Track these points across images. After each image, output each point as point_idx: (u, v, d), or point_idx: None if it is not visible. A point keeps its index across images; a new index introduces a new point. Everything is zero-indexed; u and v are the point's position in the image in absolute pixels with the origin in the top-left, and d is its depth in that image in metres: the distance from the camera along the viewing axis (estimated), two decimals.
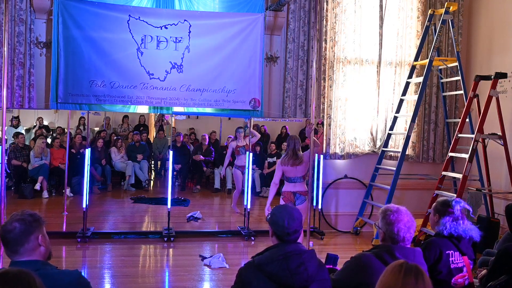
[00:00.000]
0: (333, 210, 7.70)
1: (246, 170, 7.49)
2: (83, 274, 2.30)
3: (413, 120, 7.05)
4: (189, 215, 8.07)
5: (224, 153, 11.08)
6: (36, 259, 2.22)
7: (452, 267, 3.11)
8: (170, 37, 6.83)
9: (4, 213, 4.70)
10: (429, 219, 3.41)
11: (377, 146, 7.69)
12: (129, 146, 11.20)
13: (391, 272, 1.83)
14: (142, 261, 6.11)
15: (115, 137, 11.35)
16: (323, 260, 3.25)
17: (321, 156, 7.48)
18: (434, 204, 3.38)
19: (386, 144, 7.53)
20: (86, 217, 6.72)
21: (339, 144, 7.55)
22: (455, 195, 5.96)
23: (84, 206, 6.72)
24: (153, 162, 12.47)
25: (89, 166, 6.91)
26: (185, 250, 6.45)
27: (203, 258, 5.94)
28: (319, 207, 7.47)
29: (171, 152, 7.17)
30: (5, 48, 5.08)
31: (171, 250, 6.55)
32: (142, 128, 12.69)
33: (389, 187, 6.97)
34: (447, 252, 3.13)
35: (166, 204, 7.14)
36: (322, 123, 7.68)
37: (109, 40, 6.69)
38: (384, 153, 7.54)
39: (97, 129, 12.89)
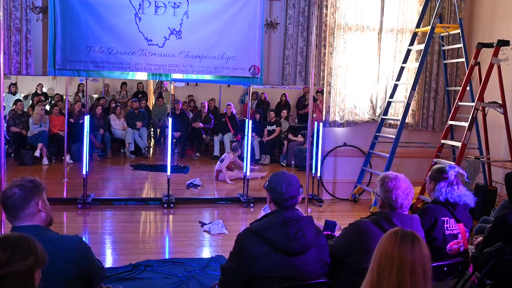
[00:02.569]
0: (331, 178, 7.74)
1: (246, 137, 7.50)
2: (84, 239, 2.33)
3: (413, 88, 7.01)
4: (188, 182, 8.12)
5: (223, 120, 11.08)
6: (37, 224, 2.24)
7: (447, 233, 3.15)
8: (169, 2, 6.72)
9: (4, 180, 4.72)
10: (426, 187, 3.43)
11: (377, 114, 7.67)
12: (128, 113, 11.17)
13: (388, 238, 1.85)
14: (143, 227, 6.18)
15: (114, 104, 11.30)
16: (322, 227, 3.30)
17: (321, 124, 7.47)
18: (429, 172, 3.40)
19: (386, 112, 7.51)
20: (86, 184, 6.76)
21: (338, 112, 7.53)
22: (454, 163, 5.98)
23: (84, 172, 6.75)
24: (152, 129, 12.46)
25: (88, 133, 6.91)
26: (185, 217, 6.52)
27: (203, 224, 6.00)
28: (318, 174, 7.51)
29: (170, 120, 7.15)
30: (1, 13, 5.00)
31: (171, 216, 6.61)
32: (141, 95, 12.62)
33: (388, 155, 6.99)
34: (442, 218, 3.15)
35: (166, 171, 7.17)
36: (322, 91, 7.64)
37: (106, 5, 6.58)
38: (383, 121, 7.52)
39: (96, 96, 12.82)
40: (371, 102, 7.66)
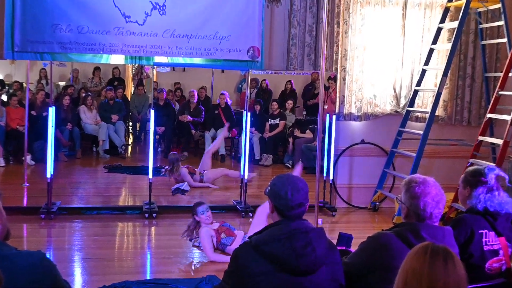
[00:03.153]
0: (347, 182, 7.74)
1: (243, 133, 7.50)
2: (48, 256, 2.32)
3: (445, 74, 7.01)
4: (174, 187, 8.13)
5: (216, 112, 11.08)
6: None
7: (485, 249, 3.14)
8: None
9: None
10: (459, 193, 3.42)
11: (401, 105, 7.67)
12: (102, 105, 11.16)
13: (415, 255, 1.85)
14: (119, 242, 6.18)
15: (84, 94, 11.30)
16: (334, 241, 3.30)
17: (333, 117, 7.47)
18: (462, 175, 3.39)
19: (412, 103, 7.51)
20: (51, 190, 6.76)
21: (355, 103, 7.53)
22: (494, 164, 5.98)
23: (48, 176, 6.75)
24: (130, 123, 12.45)
25: (53, 128, 6.89)
26: (170, 229, 6.52)
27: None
28: (330, 178, 7.51)
29: (152, 112, 7.15)
30: None
31: (153, 228, 6.61)
32: (117, 82, 12.62)
33: (414, 154, 6.99)
34: (480, 231, 3.15)
35: (147, 174, 7.16)
36: (335, 77, 7.64)
37: None
38: (409, 113, 7.52)
39: (62, 83, 12.82)
40: (394, 90, 7.66)
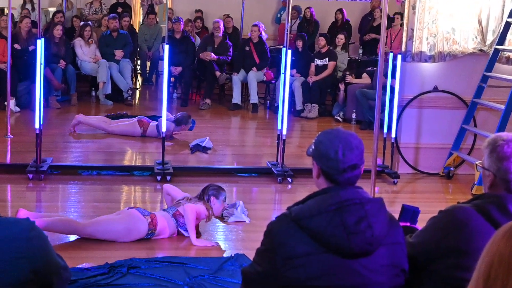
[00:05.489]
0: (413, 141, 7.69)
1: (282, 76, 7.46)
2: (37, 225, 2.36)
3: None
4: (193, 143, 8.17)
5: (247, 49, 11.03)
6: None
7: None
8: None
9: None
10: None
11: (488, 43, 7.55)
12: (103, 37, 11.21)
13: (504, 237, 1.82)
14: None
15: (81, 23, 11.35)
16: (396, 215, 3.30)
17: (398, 57, 7.37)
18: None
19: (502, 39, 7.38)
20: (40, 143, 6.84)
21: (427, 38, 7.41)
22: None
23: (37, 126, 6.82)
24: (139, 62, 12.51)
25: (42, 66, 6.95)
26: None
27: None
28: (392, 135, 7.46)
29: (166, 47, 7.15)
30: None
31: None
32: (121, 9, 12.63)
33: (503, 106, 6.91)
34: None
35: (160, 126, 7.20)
36: (402, 4, 7.50)
37: None
38: (498, 53, 7.40)
39: (53, 9, 12.89)
40: (479, 23, 7.52)
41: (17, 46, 10.02)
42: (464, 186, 7.27)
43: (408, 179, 7.51)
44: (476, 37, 7.56)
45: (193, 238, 5.18)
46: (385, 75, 7.34)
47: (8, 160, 7.42)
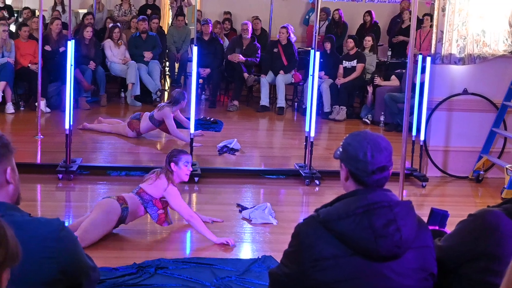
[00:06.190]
0: (442, 144, 7.65)
1: (310, 78, 7.45)
2: (66, 225, 2.38)
3: None
4: (221, 144, 8.18)
5: (275, 51, 11.03)
6: (0, 200, 2.28)
7: None
8: None
9: None
10: None
11: None
12: (132, 39, 11.28)
13: None
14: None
15: (110, 25, 11.43)
16: (425, 218, 3.28)
17: (427, 59, 7.33)
18: None
19: None
20: (70, 144, 6.91)
21: (457, 41, 7.36)
22: None
23: (67, 127, 6.89)
24: (167, 63, 12.57)
25: (73, 67, 7.01)
26: (215, 197, 6.61)
27: (242, 208, 6.07)
28: (421, 138, 7.41)
29: (195, 49, 7.17)
30: None
31: (194, 195, 6.72)
32: (150, 11, 12.70)
33: None
34: None
35: (188, 127, 7.24)
36: (431, 6, 7.46)
37: None
38: None
39: (83, 11, 12.99)
40: (510, 25, 7.46)
41: (47, 48, 10.12)
42: (493, 190, 7.20)
43: (436, 182, 7.46)
44: (506, 39, 7.50)
45: (211, 237, 5.21)
46: (414, 78, 7.29)
47: (39, 160, 7.50)
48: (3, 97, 9.65)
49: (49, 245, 2.23)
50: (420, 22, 10.26)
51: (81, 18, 12.18)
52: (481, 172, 7.54)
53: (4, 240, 1.69)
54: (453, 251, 2.70)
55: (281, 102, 10.81)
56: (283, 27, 11.13)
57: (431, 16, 7.39)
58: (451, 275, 2.67)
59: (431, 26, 7.40)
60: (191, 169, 5.54)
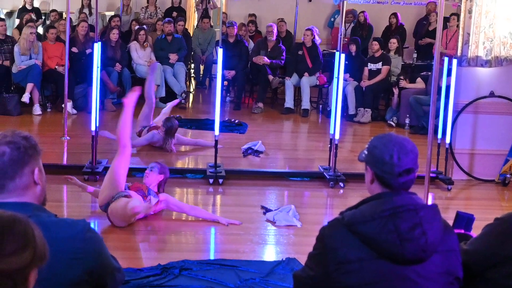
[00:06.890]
0: (468, 147, 7.59)
1: (335, 80, 7.43)
2: (92, 226, 2.40)
3: None
4: (246, 146, 8.19)
5: (300, 53, 11.02)
6: (28, 201, 2.29)
7: None
8: None
9: None
10: None
11: None
12: (158, 41, 11.33)
13: None
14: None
15: (136, 27, 11.49)
16: (451, 222, 3.26)
17: (454, 62, 7.28)
18: None
19: None
20: (96, 145, 6.97)
21: (483, 43, 7.30)
22: None
23: (93, 128, 6.96)
24: (193, 65, 12.61)
25: (99, 69, 7.06)
26: (240, 198, 6.62)
27: (266, 210, 6.07)
28: (447, 141, 7.37)
29: (220, 51, 7.19)
30: None
31: (218, 197, 6.73)
32: (176, 13, 12.75)
33: None
34: None
35: (212, 129, 7.25)
36: (458, 8, 7.41)
37: None
38: None
39: (110, 14, 13.08)
40: None
41: (74, 50, 10.21)
42: None
43: (462, 186, 7.41)
44: None
45: (219, 219, 5.70)
46: (440, 81, 7.24)
47: (65, 161, 7.56)
48: (31, 98, 9.74)
49: (75, 246, 2.24)
50: (446, 20, 10.18)
51: (107, 20, 12.26)
52: (508, 176, 7.48)
53: (32, 240, 1.70)
54: (478, 255, 2.68)
55: (305, 104, 10.79)
56: (308, 29, 11.12)
57: (458, 15, 7.33)
58: (477, 279, 2.65)
59: (458, 25, 7.35)
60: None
